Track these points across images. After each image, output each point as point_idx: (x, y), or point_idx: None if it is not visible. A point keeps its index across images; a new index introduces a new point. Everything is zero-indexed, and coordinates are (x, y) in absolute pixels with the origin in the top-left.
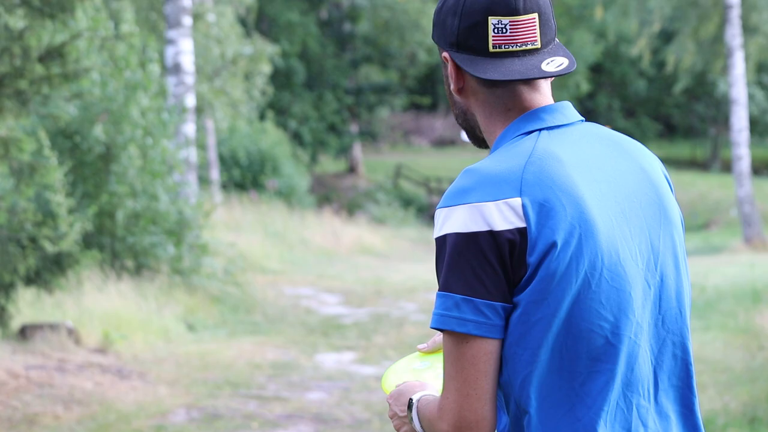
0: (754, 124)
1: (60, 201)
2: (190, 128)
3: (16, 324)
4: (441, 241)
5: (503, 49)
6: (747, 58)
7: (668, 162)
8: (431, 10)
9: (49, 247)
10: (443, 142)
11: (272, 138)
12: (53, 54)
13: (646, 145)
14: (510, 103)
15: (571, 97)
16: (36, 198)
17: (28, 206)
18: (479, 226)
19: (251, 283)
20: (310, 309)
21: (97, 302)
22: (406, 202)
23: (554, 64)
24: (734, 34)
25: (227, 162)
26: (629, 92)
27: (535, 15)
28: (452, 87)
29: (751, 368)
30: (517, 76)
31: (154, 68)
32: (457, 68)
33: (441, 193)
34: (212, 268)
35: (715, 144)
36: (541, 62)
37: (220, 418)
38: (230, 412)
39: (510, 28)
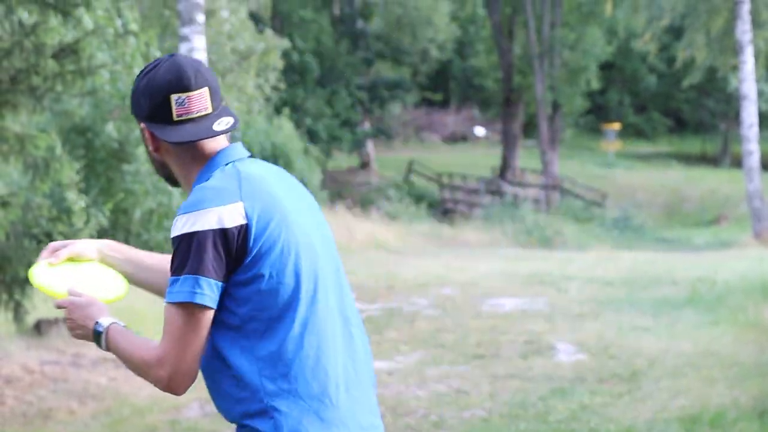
0: (764, 119)
1: (74, 198)
2: None
3: (31, 319)
4: (184, 238)
5: (184, 117)
6: (757, 54)
7: (679, 157)
8: (443, 7)
9: None
10: (455, 138)
11: (286, 133)
12: (66, 51)
13: (657, 141)
14: (197, 153)
15: (582, 94)
16: (51, 194)
17: (42, 202)
18: (213, 225)
19: None
20: None
21: None
22: (418, 197)
23: (223, 123)
24: (744, 30)
25: None
26: (640, 88)
27: (206, 89)
28: (150, 148)
29: (760, 362)
30: (195, 138)
31: None
32: (152, 134)
33: (453, 188)
34: None
35: (726, 139)
36: (213, 123)
37: None
38: None
39: (187, 102)
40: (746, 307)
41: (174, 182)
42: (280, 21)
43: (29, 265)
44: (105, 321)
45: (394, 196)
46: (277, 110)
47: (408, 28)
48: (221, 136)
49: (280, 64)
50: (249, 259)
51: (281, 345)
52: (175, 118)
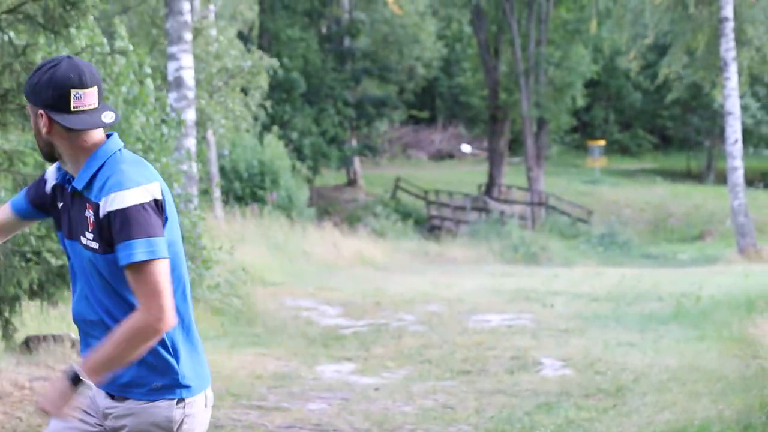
0: (749, 136)
1: None
2: (190, 142)
3: (20, 336)
4: (132, 208)
5: (79, 109)
6: (740, 71)
7: (664, 173)
8: (430, 25)
9: (53, 261)
10: (441, 155)
11: (274, 151)
12: None
13: (642, 157)
14: (88, 139)
15: (567, 111)
16: None
17: None
18: (150, 197)
19: (252, 295)
20: (310, 320)
21: None
22: (405, 214)
23: (108, 116)
24: (729, 48)
25: (228, 175)
26: (625, 105)
27: (96, 87)
28: (43, 131)
29: (745, 377)
30: (89, 126)
31: (149, 84)
32: (50, 119)
33: (440, 205)
34: (214, 280)
35: (710, 156)
36: (101, 116)
37: (222, 428)
38: (231, 422)
39: (83, 96)
40: (730, 323)
41: (52, 159)
42: (267, 39)
43: (18, 283)
44: (68, 368)
45: (380, 213)
46: (266, 128)
47: (395, 46)
48: (102, 130)
49: (266, 82)
50: (165, 226)
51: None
52: (72, 109)
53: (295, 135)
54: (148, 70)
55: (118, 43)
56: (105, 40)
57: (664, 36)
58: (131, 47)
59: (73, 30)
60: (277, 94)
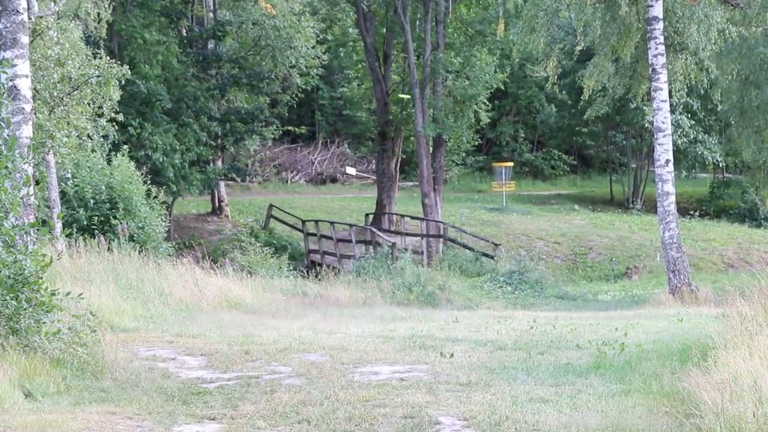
0: (682, 157)
1: None
2: (27, 164)
3: None
4: None
5: None
6: (673, 80)
7: (583, 200)
8: (308, 27)
9: None
10: (322, 179)
11: (125, 174)
12: None
13: (557, 181)
14: None
15: (469, 127)
16: None
17: None
18: None
19: (100, 343)
20: (167, 373)
21: None
22: (280, 248)
23: None
24: (658, 52)
25: (72, 202)
26: (537, 121)
27: None
28: None
29: None
30: None
31: None
32: None
33: (320, 237)
34: (55, 326)
35: (637, 179)
36: None
37: None
38: None
39: None
40: (661, 375)
41: None
42: (119, 43)
43: None
44: None
45: (250, 246)
46: (115, 147)
47: (266, 52)
48: None
49: (116, 93)
50: None
51: None
52: None
53: (156, 155)
54: None
55: None
56: None
57: (585, 40)
58: None
59: None
60: (130, 108)
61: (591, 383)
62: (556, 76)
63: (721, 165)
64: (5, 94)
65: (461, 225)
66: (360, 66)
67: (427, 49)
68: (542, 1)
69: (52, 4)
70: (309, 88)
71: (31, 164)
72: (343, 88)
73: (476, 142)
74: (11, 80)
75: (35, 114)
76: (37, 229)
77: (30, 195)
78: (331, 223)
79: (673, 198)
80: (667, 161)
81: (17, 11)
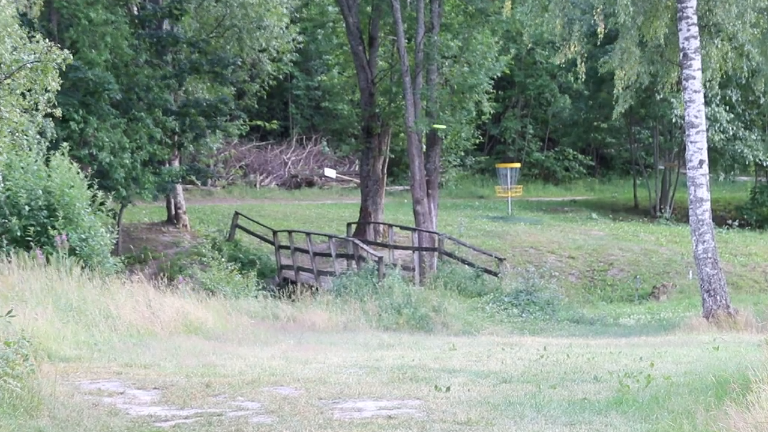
0: (718, 157)
1: None
2: None
3: None
4: None
5: None
6: (707, 68)
7: (602, 208)
8: (279, 5)
9: None
10: (296, 183)
11: (65, 177)
12: None
13: (572, 186)
14: None
15: (468, 123)
16: None
17: None
18: None
19: (36, 374)
20: (115, 409)
21: None
22: (247, 263)
23: None
24: (690, 35)
25: (3, 209)
26: (548, 114)
27: None
28: None
29: None
30: None
31: None
32: None
33: (295, 251)
34: None
35: (665, 184)
36: None
37: None
38: None
39: None
40: (694, 413)
41: None
42: (59, 23)
43: None
44: None
45: (212, 261)
46: (54, 144)
47: (231, 34)
48: None
49: (56, 82)
50: None
51: None
52: None
53: (103, 154)
54: None
55: None
56: None
57: (607, 20)
58: None
59: None
60: (75, 97)
61: (611, 422)
62: (582, 63)
63: (764, 165)
64: None
65: (459, 236)
66: (341, 50)
67: (419, 30)
68: None
69: None
70: (281, 76)
71: None
72: (321, 77)
73: (477, 140)
74: None
75: None
76: None
77: None
78: (307, 233)
79: (707, 205)
80: (701, 162)
81: None
